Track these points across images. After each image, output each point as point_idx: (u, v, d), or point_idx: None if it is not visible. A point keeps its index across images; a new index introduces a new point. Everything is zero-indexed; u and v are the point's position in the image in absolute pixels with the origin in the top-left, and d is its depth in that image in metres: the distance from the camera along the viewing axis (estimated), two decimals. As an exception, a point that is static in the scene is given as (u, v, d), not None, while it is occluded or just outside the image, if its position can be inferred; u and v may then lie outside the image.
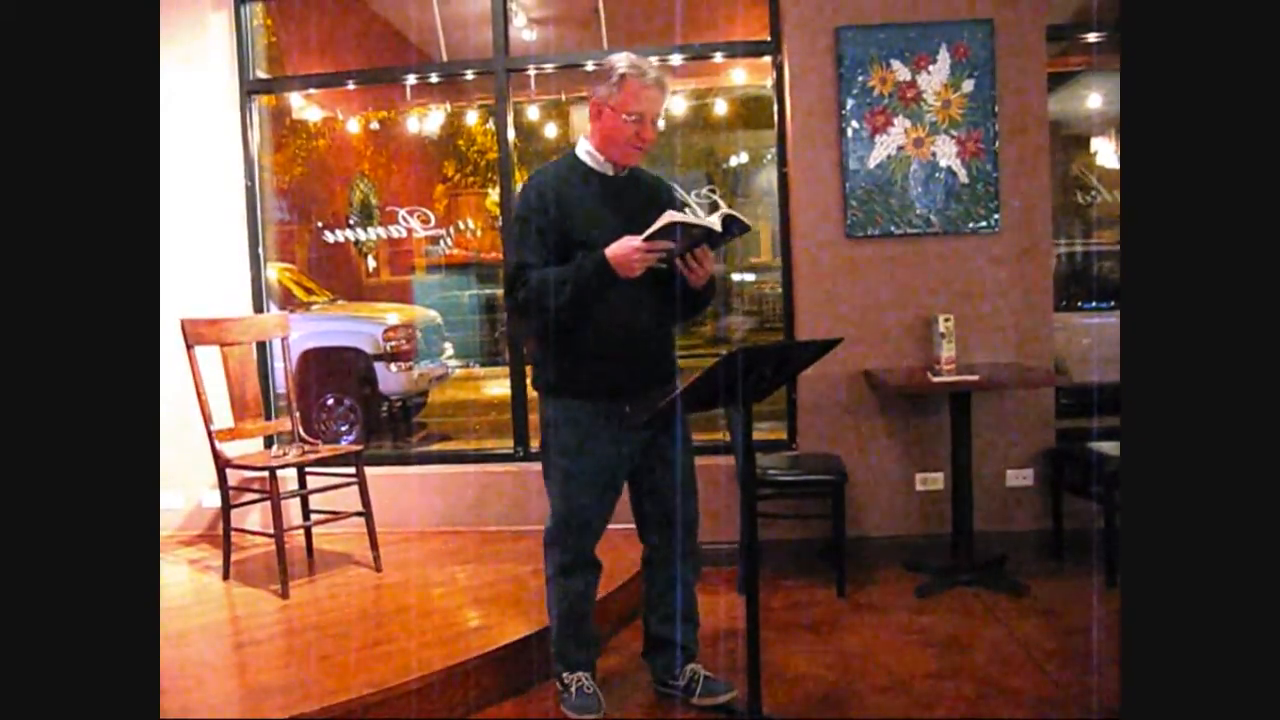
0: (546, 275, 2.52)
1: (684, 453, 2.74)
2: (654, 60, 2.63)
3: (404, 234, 5.29)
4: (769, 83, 4.34)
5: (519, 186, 2.68)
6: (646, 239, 2.42)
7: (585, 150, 2.66)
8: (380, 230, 5.52)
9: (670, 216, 2.38)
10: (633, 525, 2.80)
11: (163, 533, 4.29)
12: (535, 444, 4.27)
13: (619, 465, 2.68)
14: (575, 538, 2.69)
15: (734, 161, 8.59)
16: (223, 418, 3.79)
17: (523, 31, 5.05)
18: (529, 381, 2.76)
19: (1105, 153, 5.89)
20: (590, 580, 2.77)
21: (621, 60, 2.55)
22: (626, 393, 2.61)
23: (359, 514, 3.76)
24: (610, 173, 2.65)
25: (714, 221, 2.41)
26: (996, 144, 4.02)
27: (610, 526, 2.75)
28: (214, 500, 4.13)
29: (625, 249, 2.44)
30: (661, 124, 2.67)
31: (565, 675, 2.76)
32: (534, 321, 2.60)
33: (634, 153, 2.62)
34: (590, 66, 4.40)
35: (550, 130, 7.15)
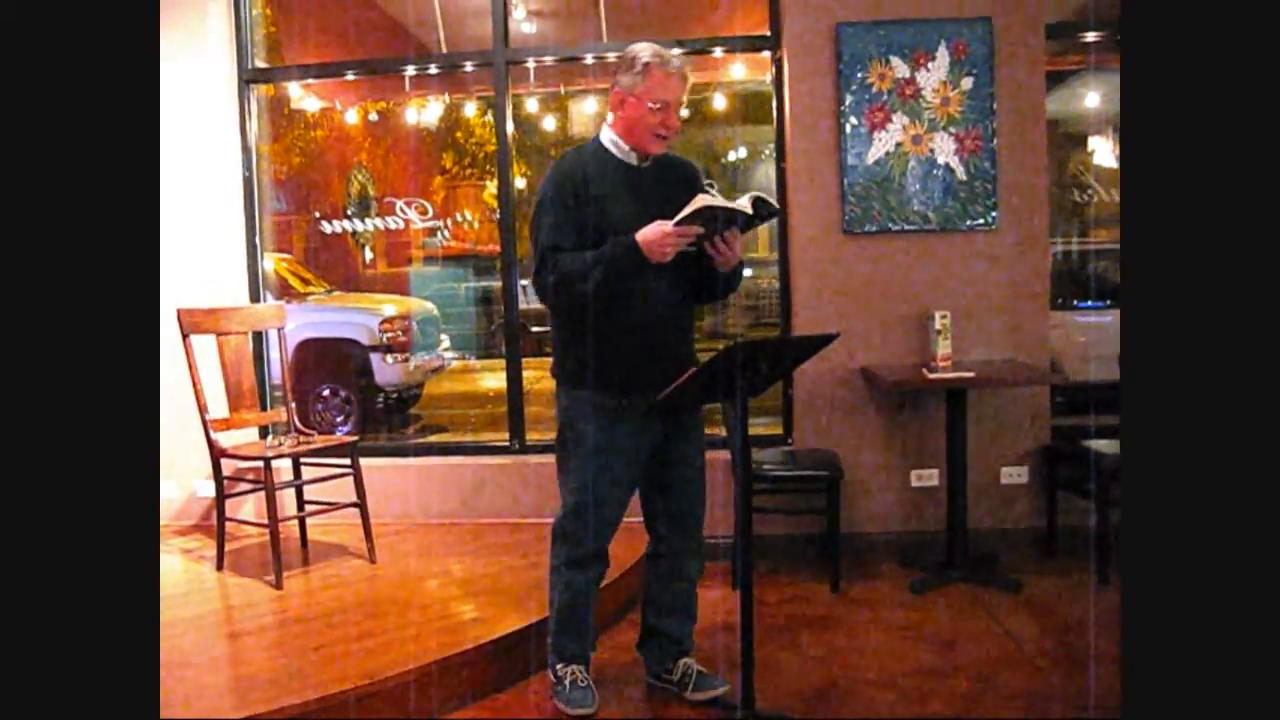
0: (577, 258, 2.51)
1: (697, 449, 2.74)
2: (676, 51, 2.61)
3: (401, 225, 5.28)
4: (768, 78, 4.34)
5: (549, 170, 2.65)
6: (678, 223, 2.42)
7: (609, 139, 2.63)
8: (378, 221, 5.50)
9: (702, 200, 2.39)
10: (633, 519, 2.79)
11: (157, 522, 4.29)
12: (532, 436, 4.31)
13: (637, 459, 2.66)
14: (590, 531, 2.67)
15: (732, 156, 8.59)
16: (218, 407, 3.78)
17: (522, 24, 5.04)
18: (548, 369, 2.74)
19: (1103, 151, 5.90)
20: (596, 576, 2.76)
21: (645, 50, 2.55)
22: (647, 385, 2.56)
23: (354, 505, 3.76)
24: (634, 162, 2.63)
25: (744, 204, 2.42)
26: (995, 142, 4.02)
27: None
28: (209, 490, 4.13)
29: (656, 233, 2.44)
30: (685, 112, 2.65)
31: (560, 668, 2.77)
32: (560, 304, 2.59)
33: (658, 141, 2.59)
34: (590, 59, 4.41)
35: (549, 123, 7.14)
